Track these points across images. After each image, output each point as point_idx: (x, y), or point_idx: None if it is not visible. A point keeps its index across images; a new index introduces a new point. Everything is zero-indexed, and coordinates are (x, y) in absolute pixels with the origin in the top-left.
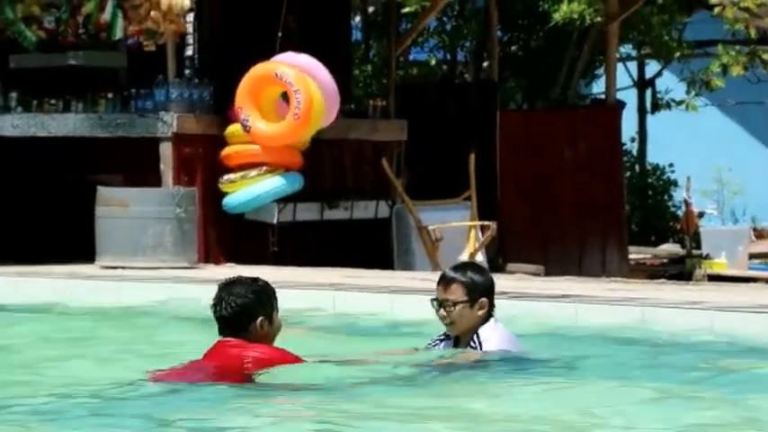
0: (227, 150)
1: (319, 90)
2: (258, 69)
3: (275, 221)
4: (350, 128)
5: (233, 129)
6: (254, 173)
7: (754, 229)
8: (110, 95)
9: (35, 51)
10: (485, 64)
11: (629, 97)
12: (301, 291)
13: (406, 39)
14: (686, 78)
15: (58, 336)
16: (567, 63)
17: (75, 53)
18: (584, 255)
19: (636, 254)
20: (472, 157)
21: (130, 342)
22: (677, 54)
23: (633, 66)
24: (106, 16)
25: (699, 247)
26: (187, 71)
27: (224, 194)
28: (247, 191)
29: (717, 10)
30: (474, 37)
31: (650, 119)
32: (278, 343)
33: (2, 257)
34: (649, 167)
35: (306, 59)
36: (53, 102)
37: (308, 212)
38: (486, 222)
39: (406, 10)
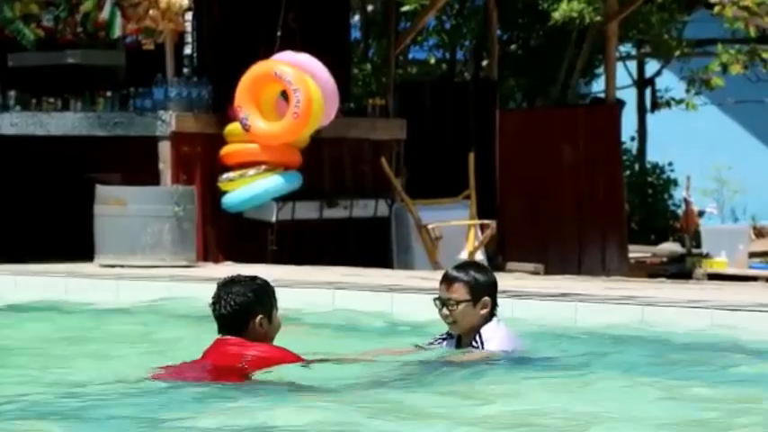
0: (226, 149)
1: (319, 89)
2: (257, 68)
3: (274, 220)
4: (349, 127)
5: (232, 127)
6: (252, 171)
7: (754, 228)
8: (108, 94)
9: (34, 50)
10: (484, 63)
11: (629, 96)
12: (300, 289)
13: (406, 37)
14: (686, 77)
15: (56, 334)
16: (567, 62)
17: (74, 52)
18: (584, 253)
19: (636, 252)
20: (471, 155)
21: (129, 341)
22: (677, 53)
23: (633, 65)
24: (105, 15)
25: (699, 245)
26: (186, 70)
27: (223, 193)
28: (246, 189)
29: (716, 9)
30: (473, 36)
31: (650, 117)
32: (277, 341)
33: (1, 256)
34: (649, 166)
35: (305, 58)
36: (52, 100)
37: (307, 211)
38: (485, 221)
39: (406, 9)
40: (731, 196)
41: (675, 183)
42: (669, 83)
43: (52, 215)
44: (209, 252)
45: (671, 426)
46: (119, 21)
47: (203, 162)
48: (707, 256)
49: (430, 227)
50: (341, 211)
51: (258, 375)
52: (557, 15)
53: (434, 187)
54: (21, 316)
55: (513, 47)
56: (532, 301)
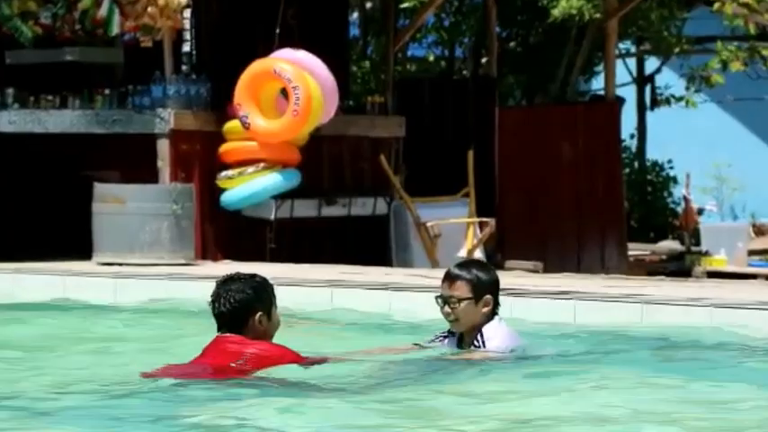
0: (224, 147)
1: (318, 86)
2: (257, 66)
3: (273, 218)
4: (348, 124)
5: (231, 125)
6: (251, 169)
7: (754, 226)
8: (107, 92)
9: (31, 47)
10: (483, 60)
11: (629, 93)
12: (299, 287)
13: (405, 35)
14: (685, 74)
15: (54, 332)
16: (566, 59)
17: (72, 49)
18: (583, 251)
19: (635, 250)
20: (470, 153)
21: (127, 339)
22: (676, 50)
23: (632, 62)
24: (103, 12)
25: (698, 243)
26: (184, 67)
27: (221, 191)
28: (245, 187)
29: (716, 5)
30: (472, 33)
31: (649, 115)
32: (276, 340)
33: None
34: (648, 164)
35: (304, 56)
36: (50, 98)
37: (305, 209)
38: (484, 219)
39: (405, 6)
40: (731, 194)
41: (675, 180)
42: (669, 80)
43: (50, 213)
44: (208, 250)
45: (671, 423)
46: (117, 18)
47: (202, 160)
48: (706, 253)
49: (429, 225)
50: (339, 209)
51: (258, 374)
52: (556, 12)
53: (433, 185)
54: (19, 314)
55: (512, 44)
56: (531, 300)
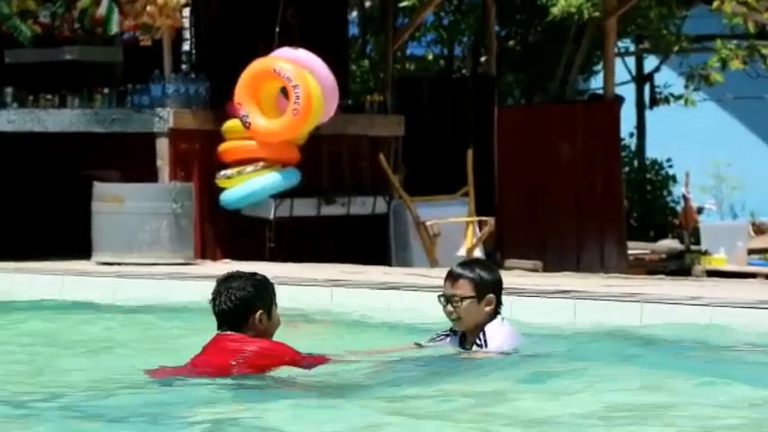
0: (223, 146)
1: (318, 85)
2: (257, 65)
3: (272, 217)
4: (347, 123)
5: (230, 124)
6: (250, 168)
7: (753, 225)
8: (106, 91)
9: (30, 46)
10: (482, 59)
11: (628, 92)
12: (298, 287)
13: (404, 34)
14: (685, 73)
15: (54, 332)
16: (565, 58)
17: (71, 48)
18: (583, 250)
19: (634, 249)
20: (470, 152)
21: (127, 338)
22: (676, 48)
23: (631, 60)
24: (102, 11)
25: (698, 242)
26: (183, 66)
27: (221, 190)
28: (244, 186)
29: (715, 4)
30: (471, 32)
31: (649, 114)
32: (276, 339)
33: None
34: (648, 162)
35: (304, 54)
36: (49, 97)
37: (305, 208)
38: (483, 218)
39: (404, 4)
40: (730, 193)
41: (674, 179)
42: (668, 79)
43: (50, 212)
44: (207, 249)
45: (671, 421)
46: (116, 17)
47: (201, 159)
48: (706, 252)
49: (428, 224)
50: (339, 209)
51: (258, 374)
52: (555, 11)
53: (432, 184)
54: (18, 314)
55: (511, 43)
56: (531, 299)
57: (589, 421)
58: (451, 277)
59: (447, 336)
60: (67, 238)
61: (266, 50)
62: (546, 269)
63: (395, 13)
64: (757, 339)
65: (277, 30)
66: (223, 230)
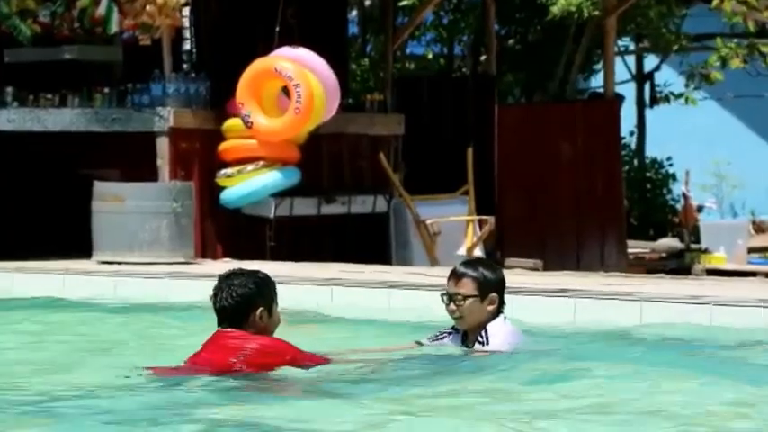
0: (224, 145)
1: (320, 84)
2: (258, 64)
3: (272, 216)
4: (347, 122)
5: (231, 123)
6: (250, 167)
7: (753, 223)
8: (106, 90)
9: (30, 46)
10: (482, 58)
11: (628, 91)
12: (299, 286)
13: (403, 33)
14: (685, 72)
15: (53, 331)
16: (565, 57)
17: (71, 48)
18: (583, 249)
19: (634, 248)
20: (470, 151)
21: (127, 337)
22: (675, 47)
23: (631, 59)
24: (101, 10)
25: (698, 241)
26: (183, 66)
27: (221, 189)
28: (244, 185)
29: (715, 3)
30: (471, 31)
31: (649, 112)
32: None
33: None
34: (648, 161)
35: (305, 53)
36: (49, 96)
37: (305, 207)
38: (483, 217)
39: (403, 3)
40: (730, 191)
41: (674, 178)
42: (668, 77)
43: (50, 212)
44: (208, 248)
45: (671, 420)
46: (115, 16)
47: (201, 158)
48: (706, 251)
49: (428, 222)
50: (339, 207)
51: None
52: (555, 10)
53: (433, 183)
54: (18, 313)
55: (510, 42)
56: (531, 297)
57: (589, 419)
58: (455, 276)
59: (448, 334)
60: (68, 237)
61: (266, 50)
62: (546, 268)
63: (395, 13)
64: (757, 337)
65: (277, 29)
66: (223, 229)
